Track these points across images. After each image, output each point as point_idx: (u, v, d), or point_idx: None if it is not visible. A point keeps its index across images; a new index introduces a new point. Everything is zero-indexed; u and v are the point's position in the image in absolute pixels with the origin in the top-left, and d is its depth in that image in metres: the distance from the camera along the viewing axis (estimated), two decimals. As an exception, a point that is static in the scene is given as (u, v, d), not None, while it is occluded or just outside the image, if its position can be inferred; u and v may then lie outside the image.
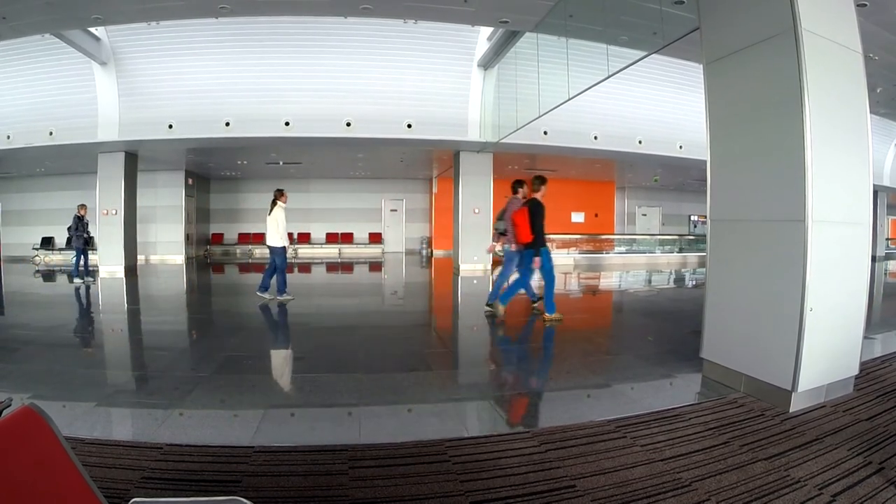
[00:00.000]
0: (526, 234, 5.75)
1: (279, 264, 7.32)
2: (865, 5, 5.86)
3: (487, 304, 6.46)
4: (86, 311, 7.51)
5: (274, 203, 7.38)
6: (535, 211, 5.73)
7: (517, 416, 3.28)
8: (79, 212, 10.19)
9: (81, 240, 10.06)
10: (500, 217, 6.48)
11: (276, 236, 7.29)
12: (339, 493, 2.11)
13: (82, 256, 10.12)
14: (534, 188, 5.92)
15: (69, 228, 10.20)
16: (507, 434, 2.73)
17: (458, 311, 7.80)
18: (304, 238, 18.39)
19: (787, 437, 2.69)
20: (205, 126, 10.76)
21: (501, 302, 6.26)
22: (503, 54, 10.00)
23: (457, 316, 7.39)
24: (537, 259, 5.78)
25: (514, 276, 6.47)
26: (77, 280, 9.93)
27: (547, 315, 5.95)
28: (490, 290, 6.27)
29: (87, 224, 10.29)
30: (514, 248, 6.17)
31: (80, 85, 10.60)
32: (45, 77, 10.60)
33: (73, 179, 15.70)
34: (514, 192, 6.33)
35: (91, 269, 10.63)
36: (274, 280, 7.40)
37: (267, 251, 7.51)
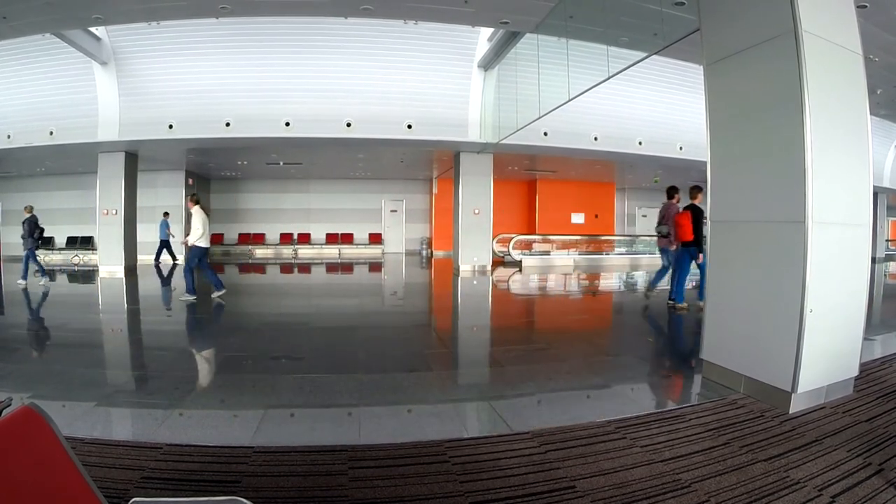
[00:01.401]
0: (688, 234, 6.62)
1: (199, 264, 7.62)
2: (866, 7, 5.86)
3: (676, 304, 7.05)
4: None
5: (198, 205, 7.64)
6: (699, 215, 6.65)
7: (517, 416, 3.28)
8: (27, 213, 9.73)
9: (32, 241, 9.65)
10: (661, 221, 7.38)
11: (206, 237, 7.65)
12: (338, 494, 2.11)
13: (32, 258, 9.72)
14: (693, 195, 6.85)
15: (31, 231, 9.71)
16: (507, 435, 2.73)
17: (458, 312, 7.80)
18: (304, 238, 18.38)
19: (787, 438, 2.69)
20: (205, 126, 10.76)
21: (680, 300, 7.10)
22: (503, 55, 10.01)
23: (457, 316, 7.39)
24: (701, 255, 6.65)
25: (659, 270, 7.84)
26: (23, 281, 9.53)
27: (678, 304, 6.88)
28: (670, 288, 7.21)
29: (35, 224, 9.77)
30: (674, 247, 7.04)
31: (81, 85, 10.60)
32: (46, 77, 10.60)
33: (73, 179, 15.70)
34: (671, 197, 7.27)
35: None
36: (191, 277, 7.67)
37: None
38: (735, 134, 3.62)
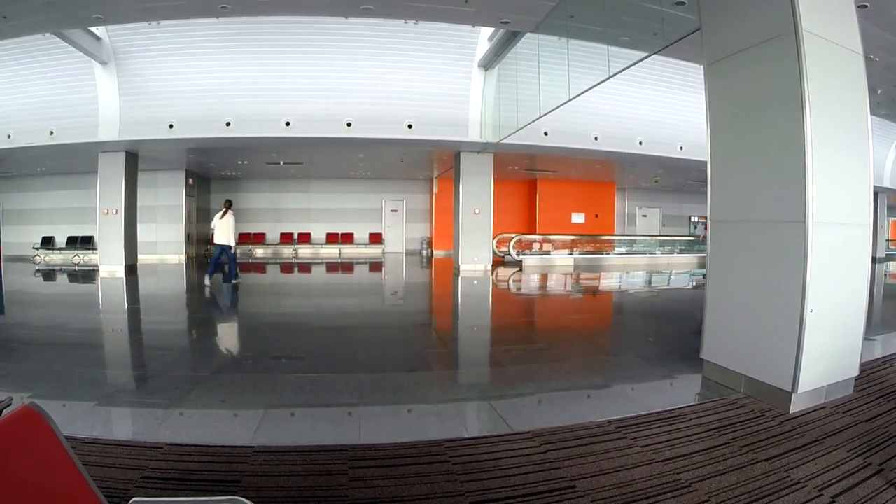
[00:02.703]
0: None
1: (233, 256, 9.54)
2: (866, 6, 5.85)
3: None
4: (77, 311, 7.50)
5: (226, 211, 9.30)
6: None
7: (517, 415, 3.28)
8: None
9: None
10: None
11: (231, 237, 9.38)
12: (338, 493, 2.11)
13: None
14: None
15: None
16: (508, 434, 2.73)
17: (459, 312, 7.80)
18: (305, 238, 18.37)
19: (788, 438, 2.69)
20: (205, 126, 10.76)
21: None
22: (504, 55, 10.00)
23: (457, 316, 7.39)
24: None
25: None
26: None
27: None
28: None
29: None
30: None
31: (81, 84, 10.60)
32: (46, 76, 10.59)
33: (73, 179, 15.69)
34: None
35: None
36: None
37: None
38: (735, 134, 3.62)
